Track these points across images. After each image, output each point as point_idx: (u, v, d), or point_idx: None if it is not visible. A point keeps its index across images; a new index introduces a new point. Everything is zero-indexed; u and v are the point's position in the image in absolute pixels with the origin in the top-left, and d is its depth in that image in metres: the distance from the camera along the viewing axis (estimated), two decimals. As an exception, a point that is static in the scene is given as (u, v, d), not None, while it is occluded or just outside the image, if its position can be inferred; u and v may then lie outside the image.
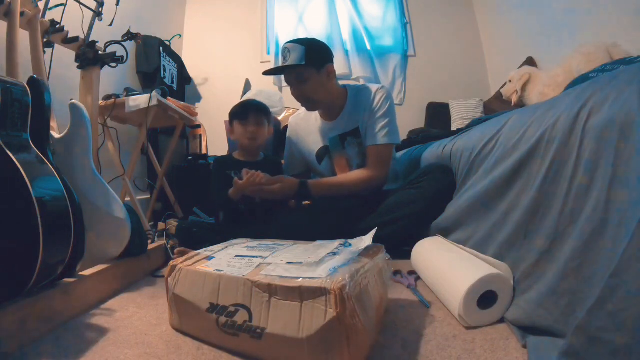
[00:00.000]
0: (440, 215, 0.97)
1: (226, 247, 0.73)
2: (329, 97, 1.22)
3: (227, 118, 1.36)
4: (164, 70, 2.17)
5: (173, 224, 1.29)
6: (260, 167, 1.24)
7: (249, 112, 1.27)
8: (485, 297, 0.59)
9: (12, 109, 0.62)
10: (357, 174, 1.17)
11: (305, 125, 1.35)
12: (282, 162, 1.47)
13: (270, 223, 1.11)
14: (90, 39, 1.20)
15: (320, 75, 1.17)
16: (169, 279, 0.63)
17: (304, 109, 1.34)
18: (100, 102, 1.43)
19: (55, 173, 0.67)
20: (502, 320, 0.60)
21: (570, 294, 0.47)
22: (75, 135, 0.81)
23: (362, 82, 2.59)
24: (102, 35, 1.25)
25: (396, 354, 0.53)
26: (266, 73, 1.22)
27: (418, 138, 1.80)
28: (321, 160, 1.30)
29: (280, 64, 1.20)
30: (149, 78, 2.08)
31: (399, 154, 1.67)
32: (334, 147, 1.26)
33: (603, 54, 1.27)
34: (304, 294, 0.47)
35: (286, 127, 2.09)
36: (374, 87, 1.24)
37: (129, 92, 1.50)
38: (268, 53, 2.78)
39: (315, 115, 1.32)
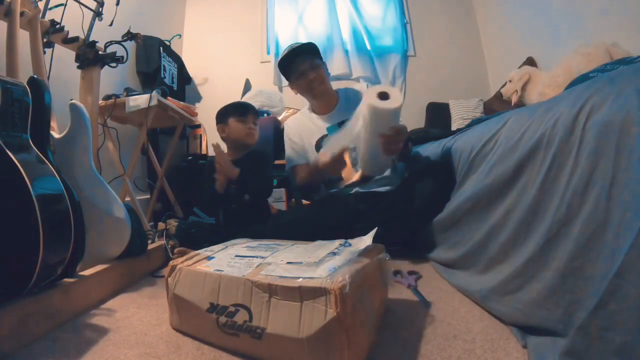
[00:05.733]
0: (438, 211, 0.97)
1: (226, 247, 0.73)
2: (331, 89, 1.39)
3: (227, 119, 1.36)
4: (164, 70, 2.17)
5: (173, 224, 1.29)
6: (247, 159, 1.30)
7: (248, 111, 1.34)
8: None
9: (12, 109, 0.62)
10: None
11: (300, 124, 1.45)
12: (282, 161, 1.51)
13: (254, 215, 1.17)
14: (90, 39, 1.20)
15: (324, 67, 1.35)
16: (169, 279, 0.63)
17: (298, 114, 1.50)
18: (100, 102, 1.43)
19: (55, 173, 0.67)
20: (501, 319, 0.60)
21: (572, 293, 0.47)
22: (75, 135, 0.81)
23: (362, 82, 2.58)
24: (102, 35, 1.25)
25: (396, 354, 0.53)
26: (281, 62, 1.33)
27: (418, 138, 1.80)
28: (320, 148, 1.36)
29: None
30: (149, 78, 2.08)
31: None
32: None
33: (603, 54, 1.26)
34: (304, 294, 0.47)
35: (286, 126, 2.10)
36: (361, 85, 1.46)
37: (129, 92, 1.50)
38: (268, 53, 2.78)
39: (308, 115, 1.44)
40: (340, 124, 1.35)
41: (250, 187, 1.22)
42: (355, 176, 1.29)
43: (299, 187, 1.41)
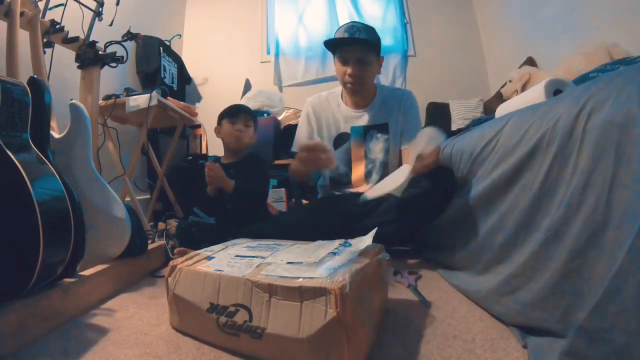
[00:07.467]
0: (440, 213, 0.97)
1: (226, 247, 0.73)
2: (370, 87, 1.24)
3: (227, 119, 1.37)
4: (164, 70, 2.17)
5: (173, 224, 1.29)
6: (243, 164, 1.31)
7: (239, 112, 1.34)
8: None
9: (12, 109, 0.62)
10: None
11: (325, 107, 1.30)
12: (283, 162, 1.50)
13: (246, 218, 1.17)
14: (90, 39, 1.20)
15: (377, 63, 1.19)
16: (169, 279, 0.63)
17: (325, 92, 1.33)
18: (100, 102, 1.43)
19: (55, 173, 0.66)
20: (501, 320, 0.60)
21: (571, 294, 0.47)
22: (75, 135, 0.81)
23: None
24: (102, 35, 1.25)
25: (396, 354, 0.53)
26: (329, 42, 1.16)
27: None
28: (338, 145, 1.27)
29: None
30: (149, 78, 2.08)
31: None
32: (356, 137, 1.24)
33: (603, 54, 1.26)
34: (304, 294, 0.47)
35: (286, 127, 2.10)
36: (405, 90, 1.28)
37: (129, 92, 1.51)
38: (268, 53, 2.78)
39: (337, 100, 1.29)
40: (367, 129, 1.22)
41: (245, 196, 1.25)
42: (365, 188, 1.20)
43: (290, 177, 1.26)
